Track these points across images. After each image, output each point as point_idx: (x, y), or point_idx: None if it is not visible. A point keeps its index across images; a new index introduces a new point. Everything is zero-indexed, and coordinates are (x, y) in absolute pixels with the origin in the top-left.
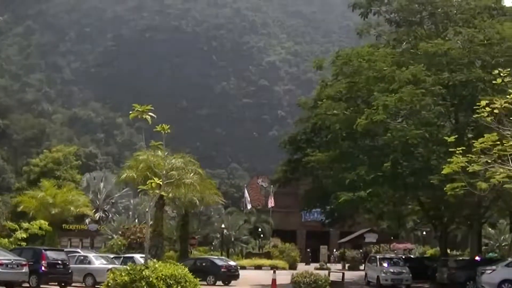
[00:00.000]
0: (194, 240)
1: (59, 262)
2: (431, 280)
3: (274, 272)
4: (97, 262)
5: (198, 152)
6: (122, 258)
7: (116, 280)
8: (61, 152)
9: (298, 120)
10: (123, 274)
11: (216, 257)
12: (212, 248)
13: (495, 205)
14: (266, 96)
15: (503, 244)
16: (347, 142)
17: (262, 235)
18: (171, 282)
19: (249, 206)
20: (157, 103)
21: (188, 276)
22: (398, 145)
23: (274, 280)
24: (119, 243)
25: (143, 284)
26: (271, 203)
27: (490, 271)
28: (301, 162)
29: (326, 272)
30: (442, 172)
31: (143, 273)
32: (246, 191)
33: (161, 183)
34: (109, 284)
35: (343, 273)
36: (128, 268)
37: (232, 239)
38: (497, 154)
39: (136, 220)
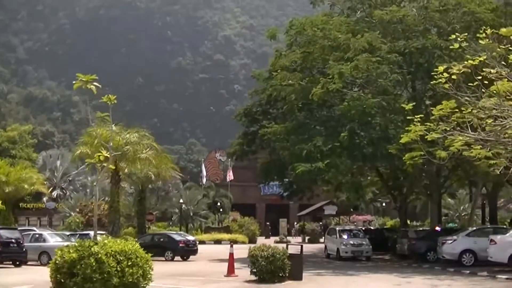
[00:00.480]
0: (152, 216)
1: (13, 240)
2: (391, 252)
3: (231, 246)
4: (52, 240)
5: (156, 128)
6: (78, 235)
7: (64, 258)
8: (16, 130)
9: (253, 91)
10: (71, 251)
11: (174, 232)
12: (171, 223)
13: (454, 174)
14: (222, 71)
15: (462, 214)
16: (304, 113)
17: (221, 210)
18: (121, 258)
19: (204, 180)
20: (113, 80)
21: (139, 251)
22: (355, 114)
23: (231, 254)
24: (77, 220)
25: (92, 260)
26: (229, 176)
27: (451, 241)
28: (258, 134)
29: (285, 245)
30: (400, 141)
31: (92, 249)
32: (203, 166)
33: (108, 155)
34: (57, 261)
35: (302, 246)
36: (76, 244)
37: (191, 214)
38: (455, 122)
39: (93, 197)
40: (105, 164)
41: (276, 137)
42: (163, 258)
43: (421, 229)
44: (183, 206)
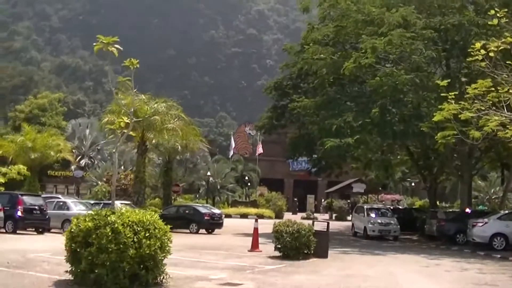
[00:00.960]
0: (178, 187)
1: (36, 207)
2: (419, 232)
3: (256, 220)
4: (76, 208)
5: (186, 101)
6: (102, 204)
7: (80, 226)
8: (47, 98)
9: (284, 65)
10: (87, 220)
11: (199, 204)
12: (197, 196)
13: (486, 156)
14: (254, 45)
15: (493, 197)
16: (334, 88)
17: (249, 184)
18: (139, 229)
19: (231, 153)
20: (145, 51)
21: (158, 223)
22: (386, 90)
23: (256, 229)
24: (103, 189)
25: (108, 230)
26: (259, 150)
27: (482, 224)
28: (287, 108)
29: (311, 222)
30: (433, 120)
31: (108, 218)
32: (232, 139)
33: (129, 121)
34: (72, 230)
35: (328, 223)
36: (93, 213)
37: (218, 187)
38: (491, 101)
39: (122, 167)
40: (125, 131)
41: (305, 111)
42: (188, 230)
43: (450, 210)
44: (211, 179)
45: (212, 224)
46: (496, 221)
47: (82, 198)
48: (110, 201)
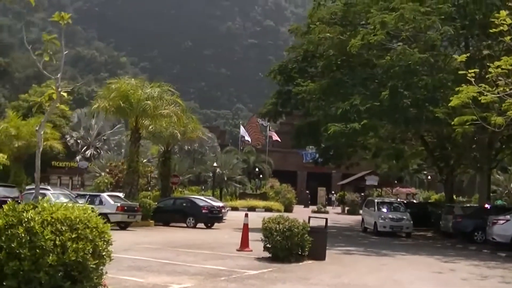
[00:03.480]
0: (177, 179)
1: (9, 200)
2: (434, 228)
3: (246, 215)
4: (54, 200)
5: (203, 92)
6: (88, 196)
7: None
8: (51, 87)
9: (290, 47)
10: None
11: (197, 196)
12: (203, 188)
13: (508, 147)
14: (271, 37)
15: None
16: (342, 71)
17: (261, 176)
18: (64, 229)
19: (246, 139)
20: (161, 43)
21: (92, 220)
22: (398, 71)
23: (246, 226)
24: (106, 181)
25: (21, 230)
26: (274, 136)
27: (503, 221)
28: (292, 93)
29: (324, 215)
30: (450, 104)
31: (24, 215)
32: (241, 128)
33: (55, 92)
34: None
35: (327, 219)
36: (6, 208)
37: (225, 179)
38: None
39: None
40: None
41: (310, 96)
42: (185, 225)
43: (468, 205)
44: (218, 170)
45: (210, 218)
46: None
47: (85, 190)
48: (96, 193)
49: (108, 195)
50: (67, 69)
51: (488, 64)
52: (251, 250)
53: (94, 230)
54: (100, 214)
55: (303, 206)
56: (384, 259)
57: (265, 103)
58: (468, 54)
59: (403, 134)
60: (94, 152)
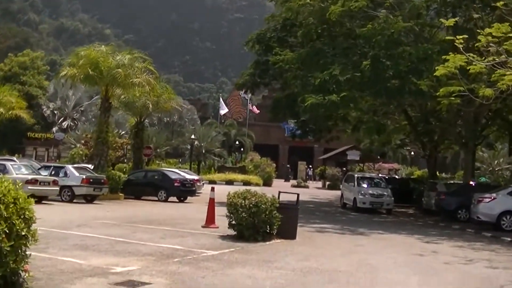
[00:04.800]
0: (149, 150)
1: None
2: (416, 205)
3: (213, 189)
4: (15, 172)
5: (188, 66)
6: (52, 167)
7: None
8: (28, 56)
9: (269, 16)
10: None
11: (170, 169)
12: (180, 160)
13: (494, 122)
14: (257, 11)
15: (496, 169)
16: (322, 40)
17: (242, 149)
18: None
19: (222, 112)
20: (147, 16)
21: (10, 195)
22: (380, 41)
23: (212, 200)
24: (81, 152)
25: None
26: (254, 110)
27: (489, 199)
28: (271, 63)
29: (304, 189)
30: (435, 74)
31: None
32: (221, 100)
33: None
34: None
35: (298, 195)
36: None
37: (203, 151)
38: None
39: None
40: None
41: (289, 66)
42: (156, 198)
43: (451, 182)
44: (196, 142)
45: (183, 192)
46: (506, 197)
47: (61, 162)
48: (60, 165)
49: (74, 167)
50: (49, 40)
51: (478, 30)
52: (217, 227)
53: (11, 206)
54: (64, 186)
55: (283, 180)
56: (361, 239)
57: (242, 74)
58: (456, 18)
59: (385, 107)
60: (71, 123)
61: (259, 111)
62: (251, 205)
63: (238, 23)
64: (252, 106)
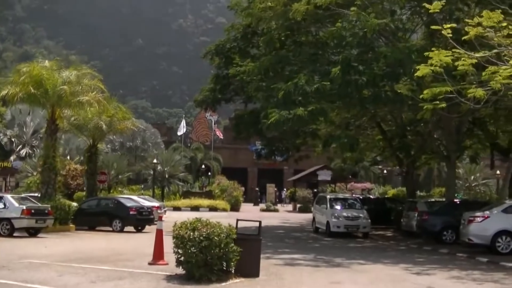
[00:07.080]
0: (104, 176)
1: None
2: (395, 226)
3: (160, 218)
4: None
5: (155, 91)
6: None
7: None
8: None
9: (230, 26)
10: None
11: (124, 196)
12: (143, 186)
13: (473, 134)
14: (223, 35)
15: (473, 185)
16: (287, 47)
17: (209, 173)
18: None
19: (179, 133)
20: (113, 41)
21: None
22: (352, 42)
23: (159, 232)
24: (37, 181)
25: None
26: (217, 133)
27: (482, 218)
28: (230, 76)
29: (273, 213)
30: (416, 74)
31: None
32: (183, 121)
33: None
34: None
35: (260, 222)
36: None
37: (166, 176)
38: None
39: (68, 157)
40: None
41: (251, 78)
42: (111, 228)
43: (432, 200)
44: (159, 167)
45: (140, 220)
46: (500, 215)
47: (17, 191)
48: (2, 195)
49: (13, 197)
50: (13, 68)
51: (465, 21)
52: (167, 264)
53: None
54: (2, 219)
55: (252, 204)
56: (338, 273)
57: (202, 89)
58: (443, 3)
59: (358, 119)
60: (30, 151)
61: (223, 135)
62: (201, 238)
63: (205, 46)
64: (216, 128)
